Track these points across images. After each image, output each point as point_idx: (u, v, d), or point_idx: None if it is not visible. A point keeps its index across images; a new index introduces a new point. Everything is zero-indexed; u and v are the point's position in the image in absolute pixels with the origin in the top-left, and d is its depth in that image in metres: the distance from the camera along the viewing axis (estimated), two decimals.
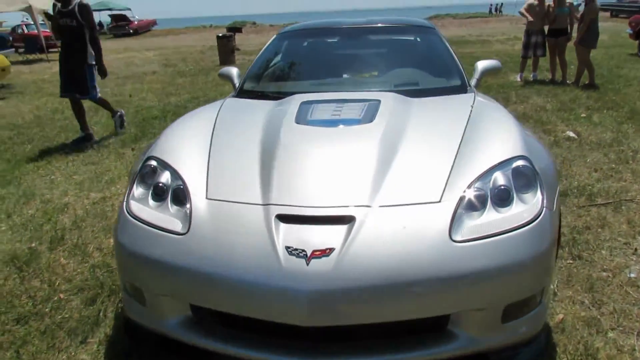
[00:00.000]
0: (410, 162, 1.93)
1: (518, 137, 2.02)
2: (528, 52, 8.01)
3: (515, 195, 1.74)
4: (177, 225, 1.78)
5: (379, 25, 3.54)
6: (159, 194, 1.94)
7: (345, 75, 3.16)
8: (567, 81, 7.71)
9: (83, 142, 5.19)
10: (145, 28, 32.41)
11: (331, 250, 1.57)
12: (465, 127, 2.14)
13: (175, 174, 1.97)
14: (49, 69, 13.37)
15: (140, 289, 1.81)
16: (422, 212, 1.68)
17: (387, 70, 3.16)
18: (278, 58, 3.49)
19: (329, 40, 3.52)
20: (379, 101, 2.44)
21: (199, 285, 1.65)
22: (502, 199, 1.73)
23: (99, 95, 5.32)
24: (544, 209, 1.71)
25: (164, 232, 1.77)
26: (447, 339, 1.61)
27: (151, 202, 1.93)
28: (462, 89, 2.80)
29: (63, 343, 2.06)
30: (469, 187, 1.74)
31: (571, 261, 2.50)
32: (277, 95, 2.78)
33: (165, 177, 1.98)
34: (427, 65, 3.16)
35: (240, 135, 2.27)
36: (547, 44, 7.85)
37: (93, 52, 5.01)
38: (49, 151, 5.03)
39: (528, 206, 1.71)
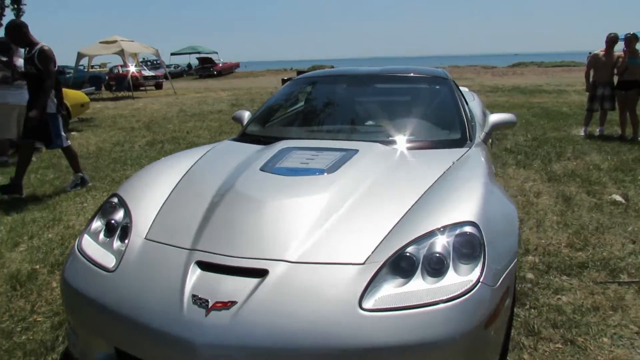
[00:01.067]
0: (352, 218, 1.86)
1: (478, 199, 1.88)
2: (594, 105, 7.51)
3: (450, 265, 1.60)
4: (110, 262, 1.85)
5: (390, 74, 3.53)
6: (110, 230, 2.03)
7: (342, 124, 3.16)
8: (639, 138, 7.07)
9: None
10: (228, 70, 34.87)
11: (233, 303, 1.54)
12: (432, 184, 2.05)
13: (127, 212, 2.06)
14: (131, 105, 14.72)
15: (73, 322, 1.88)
16: (339, 273, 1.60)
17: (388, 119, 3.11)
18: (284, 103, 3.58)
19: (337, 88, 3.56)
20: (357, 151, 2.41)
21: (117, 326, 1.67)
22: (435, 268, 1.61)
23: (68, 144, 5.04)
24: (480, 284, 1.55)
25: (97, 267, 1.84)
26: None
27: (101, 237, 2.03)
28: (460, 142, 2.68)
29: None
30: (399, 250, 1.64)
31: (560, 346, 2.21)
32: (269, 140, 2.83)
33: (119, 215, 2.08)
34: (431, 117, 3.09)
35: (206, 178, 2.33)
36: (616, 97, 7.31)
37: (56, 100, 4.75)
38: (91, 179, 5.46)
39: (461, 279, 1.57)
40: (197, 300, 1.57)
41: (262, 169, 2.28)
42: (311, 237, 1.76)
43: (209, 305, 1.54)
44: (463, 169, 2.24)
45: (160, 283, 1.68)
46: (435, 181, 2.07)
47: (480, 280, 1.57)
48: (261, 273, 1.62)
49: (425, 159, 2.43)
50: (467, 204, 1.86)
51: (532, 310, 2.51)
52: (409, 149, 2.58)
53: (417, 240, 1.67)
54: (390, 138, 2.74)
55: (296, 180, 2.16)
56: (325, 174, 2.18)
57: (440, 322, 1.46)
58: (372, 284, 1.55)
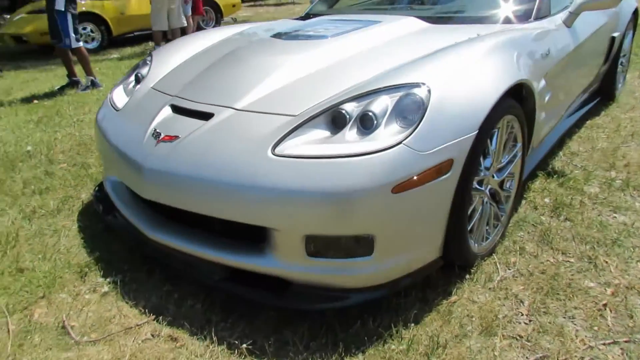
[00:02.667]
0: (317, 78, 1.87)
1: (447, 63, 1.73)
2: None
3: (382, 125, 1.51)
4: (121, 104, 2.19)
5: None
6: (137, 81, 2.36)
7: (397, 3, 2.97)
8: None
9: (69, 88, 5.25)
10: None
11: (176, 137, 1.72)
12: (429, 54, 1.87)
13: (150, 66, 2.37)
14: (291, 10, 15.32)
15: None
16: (270, 123, 1.66)
17: None
18: None
19: None
20: (379, 22, 2.33)
21: (113, 155, 2.02)
22: (364, 126, 1.54)
23: (78, 45, 5.06)
24: (401, 145, 1.45)
25: (111, 106, 2.21)
26: (255, 252, 1.59)
27: (129, 87, 2.38)
28: (520, 17, 2.35)
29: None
30: (335, 106, 1.60)
31: (572, 260, 1.92)
32: (316, 15, 2.91)
33: (145, 70, 2.39)
34: None
35: (226, 44, 2.49)
36: None
37: None
38: None
39: (385, 139, 1.47)
40: (154, 133, 1.80)
41: (273, 36, 2.35)
42: (267, 90, 1.82)
43: (159, 138, 1.76)
44: (478, 39, 1.96)
45: (140, 119, 1.95)
46: (433, 52, 1.87)
47: (403, 142, 1.45)
48: (208, 116, 1.77)
49: (452, 33, 2.18)
50: (430, 65, 1.71)
51: (566, 222, 2.18)
52: (447, 23, 2.36)
53: (358, 98, 1.60)
54: (433, 13, 2.52)
55: (293, 44, 2.19)
56: (328, 38, 2.18)
57: (341, 175, 1.42)
58: (294, 133, 1.56)
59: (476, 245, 1.86)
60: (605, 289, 1.77)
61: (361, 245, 1.50)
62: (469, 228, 1.77)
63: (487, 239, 1.94)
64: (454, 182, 1.56)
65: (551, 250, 1.99)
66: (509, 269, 1.89)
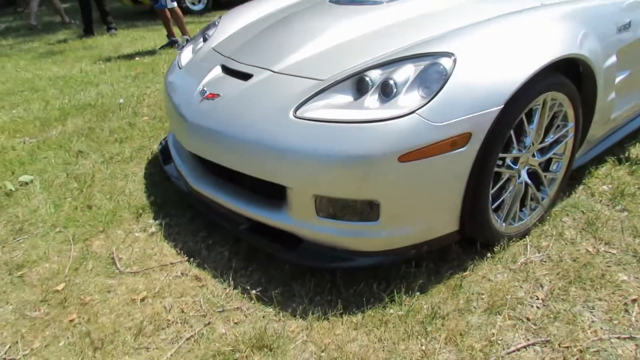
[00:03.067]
0: (358, 44, 1.88)
1: (481, 34, 1.64)
2: None
3: (402, 93, 1.51)
4: (185, 62, 2.39)
5: None
6: (204, 41, 2.54)
7: None
8: None
9: (168, 47, 5.66)
10: None
11: (217, 95, 1.86)
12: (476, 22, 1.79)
13: (216, 28, 2.53)
14: None
15: None
16: (299, 85, 1.73)
17: None
18: None
19: None
20: None
21: (169, 109, 2.23)
22: (386, 92, 1.55)
23: (173, 6, 5.32)
24: (413, 114, 1.45)
25: (177, 64, 2.41)
26: (273, 208, 1.70)
27: (197, 47, 2.57)
28: None
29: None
30: (360, 72, 1.62)
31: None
32: None
33: (212, 31, 2.56)
34: None
35: (288, 9, 2.56)
36: None
37: None
38: None
39: (401, 107, 1.48)
40: (202, 90, 1.95)
41: (331, 1, 2.36)
42: (307, 54, 1.88)
43: (204, 95, 1.91)
44: (533, 9, 1.81)
45: (195, 77, 2.12)
46: (480, 21, 1.78)
47: (416, 111, 1.44)
48: (248, 77, 1.88)
49: (516, 1, 2.04)
50: (465, 35, 1.64)
51: (622, 212, 2.00)
52: None
53: (383, 65, 1.60)
54: None
55: (346, 9, 2.21)
56: (383, 4, 2.17)
57: (350, 140, 1.46)
58: (318, 97, 1.61)
59: (504, 224, 1.80)
60: None
61: (367, 210, 1.54)
62: (494, 206, 1.73)
63: (520, 219, 1.87)
64: (471, 156, 1.52)
65: (593, 239, 1.86)
66: (538, 253, 1.81)
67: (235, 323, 1.59)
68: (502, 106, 1.51)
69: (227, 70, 2.03)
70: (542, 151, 1.87)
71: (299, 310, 1.61)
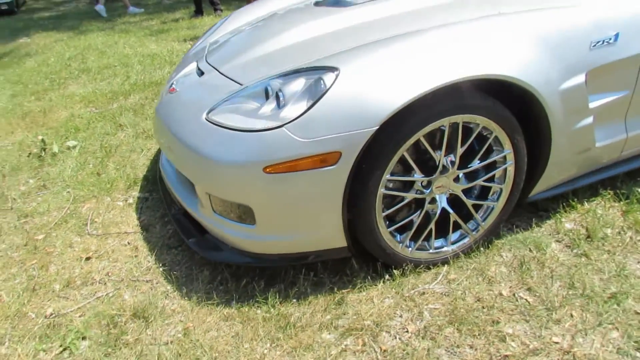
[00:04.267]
0: (295, 47, 1.94)
1: (381, 47, 1.61)
2: None
3: (289, 104, 1.58)
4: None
5: None
6: None
7: None
8: None
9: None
10: None
11: (175, 90, 2.10)
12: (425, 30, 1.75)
13: (220, 25, 2.75)
14: None
15: None
16: (224, 88, 1.87)
17: None
18: None
19: None
20: None
21: None
22: (278, 103, 1.62)
23: None
24: (281, 128, 1.51)
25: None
26: (192, 201, 1.89)
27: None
28: None
29: None
30: (266, 80, 1.71)
31: None
32: None
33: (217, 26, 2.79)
34: None
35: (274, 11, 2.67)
36: None
37: None
38: None
39: (278, 118, 1.55)
40: (170, 84, 2.20)
41: (316, 3, 2.41)
42: (253, 56, 2.00)
43: (169, 88, 2.15)
44: (462, 21, 1.67)
45: (177, 71, 2.37)
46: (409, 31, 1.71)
47: (284, 125, 1.50)
48: (201, 74, 2.07)
49: (472, 8, 1.87)
50: (361, 50, 1.62)
51: (578, 257, 1.78)
52: None
53: (285, 76, 1.67)
54: None
55: (322, 10, 2.25)
56: (350, 6, 2.17)
57: (229, 146, 1.57)
58: (230, 101, 1.73)
59: (409, 248, 1.75)
60: (531, 341, 1.48)
61: (244, 214, 1.64)
62: (392, 228, 1.69)
63: (439, 247, 1.79)
64: (342, 175, 1.52)
65: (516, 283, 1.70)
66: (444, 285, 1.72)
67: (140, 293, 1.84)
68: (377, 127, 1.47)
69: (197, 67, 2.24)
70: (471, 177, 1.75)
71: (192, 293, 1.80)
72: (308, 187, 1.54)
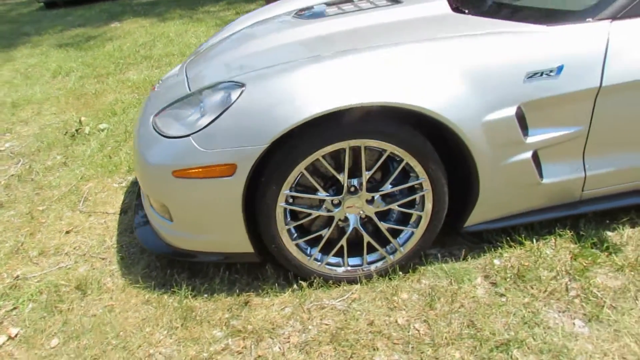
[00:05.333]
0: (251, 58, 2.05)
1: (294, 66, 1.69)
2: None
3: (206, 115, 1.71)
4: None
5: None
6: None
7: None
8: None
9: None
10: None
11: (154, 89, 2.32)
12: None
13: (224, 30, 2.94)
14: None
15: None
16: (178, 93, 2.03)
17: None
18: None
19: None
20: (400, 3, 2.22)
21: None
22: (200, 112, 1.76)
23: None
24: (188, 137, 1.66)
25: None
26: None
27: None
28: (578, 15, 1.75)
29: None
30: (203, 90, 1.85)
31: None
32: None
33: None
34: None
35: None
36: None
37: None
38: None
39: (191, 127, 1.69)
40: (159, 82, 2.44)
41: (295, 15, 2.48)
42: (214, 64, 2.15)
43: (153, 86, 2.39)
44: (377, 46, 1.68)
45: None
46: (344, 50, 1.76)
47: (190, 135, 1.63)
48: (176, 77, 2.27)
49: (420, 30, 1.85)
50: (274, 68, 1.71)
51: (495, 297, 1.70)
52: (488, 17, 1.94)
53: (214, 86, 1.78)
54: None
55: (293, 22, 2.33)
56: (321, 18, 2.25)
57: (152, 150, 1.74)
58: (173, 107, 1.90)
59: (319, 262, 1.80)
60: None
61: (165, 211, 1.81)
62: (299, 241, 1.76)
63: (350, 265, 1.83)
64: (239, 187, 1.62)
65: (417, 314, 1.69)
66: (343, 303, 1.75)
67: (93, 268, 2.11)
68: (267, 145, 1.55)
69: (181, 70, 2.44)
70: (390, 201, 1.75)
71: (129, 275, 2.02)
72: (210, 194, 1.67)
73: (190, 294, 1.87)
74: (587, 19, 1.70)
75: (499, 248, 1.93)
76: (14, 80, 4.88)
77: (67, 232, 2.37)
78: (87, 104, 4.02)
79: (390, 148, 1.63)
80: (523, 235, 1.95)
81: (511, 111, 1.62)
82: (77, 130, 3.41)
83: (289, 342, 1.64)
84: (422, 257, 1.90)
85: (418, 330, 1.64)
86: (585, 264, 1.81)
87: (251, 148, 1.57)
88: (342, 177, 1.68)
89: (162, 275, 2.00)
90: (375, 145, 1.62)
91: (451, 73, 1.59)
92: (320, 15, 2.29)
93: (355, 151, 1.65)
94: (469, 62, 1.61)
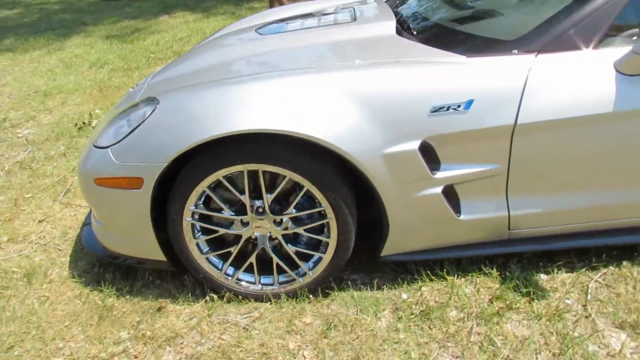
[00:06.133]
0: (191, 74, 2.13)
1: (204, 86, 1.76)
2: None
3: (129, 128, 1.81)
4: None
5: None
6: None
7: None
8: None
9: None
10: None
11: (127, 92, 2.47)
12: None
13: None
14: None
15: None
16: (130, 101, 2.14)
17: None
18: None
19: None
20: (351, 23, 2.23)
21: None
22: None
23: None
24: (106, 149, 1.76)
25: None
26: None
27: None
28: (508, 46, 1.68)
29: None
30: (138, 103, 1.95)
31: None
32: None
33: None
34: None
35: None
36: None
37: None
38: None
39: (115, 138, 1.79)
40: None
41: (257, 30, 2.50)
42: (167, 76, 2.24)
43: None
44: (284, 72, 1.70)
45: None
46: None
47: (109, 147, 1.74)
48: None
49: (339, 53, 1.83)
50: (187, 88, 1.78)
51: (393, 334, 1.67)
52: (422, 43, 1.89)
53: (145, 101, 1.87)
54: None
55: (246, 38, 2.38)
56: (279, 33, 2.27)
57: (85, 156, 1.87)
58: (117, 117, 2.02)
59: (230, 277, 1.85)
60: None
61: (94, 213, 1.94)
62: (210, 255, 1.82)
63: (262, 283, 1.86)
64: (146, 199, 1.70)
65: (311, 339, 1.69)
66: (248, 319, 1.79)
67: (48, 258, 2.29)
68: (167, 163, 1.62)
69: None
70: (286, 223, 1.77)
71: (72, 270, 2.18)
72: (123, 203, 1.77)
73: (115, 294, 1.99)
74: (514, 51, 1.62)
75: (419, 281, 1.88)
76: (55, 69, 5.29)
77: (40, 221, 2.58)
78: (107, 96, 4.29)
79: (288, 174, 1.64)
80: (446, 270, 1.88)
81: (414, 145, 1.58)
82: (84, 123, 3.66)
83: (182, 352, 1.72)
84: (341, 282, 1.90)
85: (305, 357, 1.65)
86: (500, 308, 1.72)
87: (154, 164, 1.65)
88: (244, 198, 1.72)
89: (99, 272, 2.13)
90: (273, 170, 1.64)
91: (352, 103, 1.58)
92: (277, 30, 2.32)
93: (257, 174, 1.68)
94: (371, 92, 1.58)
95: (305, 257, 1.84)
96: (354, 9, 2.46)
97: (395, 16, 2.23)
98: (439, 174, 1.63)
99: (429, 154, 1.62)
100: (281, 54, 1.99)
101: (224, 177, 1.67)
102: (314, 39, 2.08)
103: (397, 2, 2.63)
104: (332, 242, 1.76)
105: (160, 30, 6.74)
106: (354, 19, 2.26)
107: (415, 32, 2.00)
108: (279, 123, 1.56)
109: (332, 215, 1.70)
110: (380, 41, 1.96)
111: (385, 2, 2.63)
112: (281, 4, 5.77)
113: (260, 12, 3.28)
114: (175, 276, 2.04)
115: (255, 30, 2.45)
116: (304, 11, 2.75)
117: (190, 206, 1.72)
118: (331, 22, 2.29)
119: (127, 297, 1.98)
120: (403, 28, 2.08)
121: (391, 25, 2.06)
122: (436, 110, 1.56)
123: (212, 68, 2.04)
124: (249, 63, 1.98)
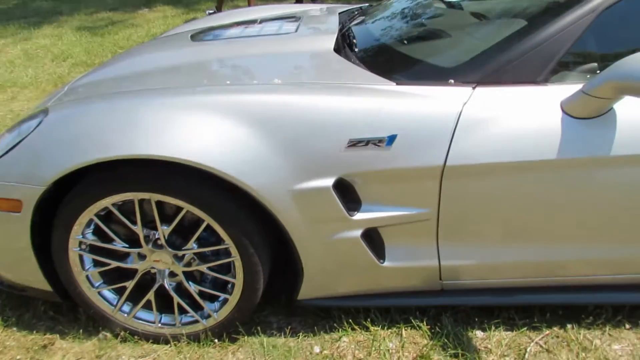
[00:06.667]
0: (102, 83, 1.92)
1: (101, 98, 1.57)
2: None
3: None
4: None
5: None
6: None
7: None
8: None
9: None
10: None
11: None
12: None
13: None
14: None
15: None
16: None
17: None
18: None
19: None
20: (290, 34, 2.05)
21: None
22: None
23: None
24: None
25: None
26: None
27: None
28: (445, 74, 1.48)
29: None
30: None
31: None
32: None
33: None
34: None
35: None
36: None
37: None
38: None
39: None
40: None
41: (191, 36, 2.28)
42: (90, 80, 2.02)
43: None
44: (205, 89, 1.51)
45: None
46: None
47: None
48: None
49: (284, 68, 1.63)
50: (78, 102, 1.59)
51: None
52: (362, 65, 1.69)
53: (42, 110, 1.67)
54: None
55: (178, 43, 2.19)
56: (212, 41, 2.11)
57: None
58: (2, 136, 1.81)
59: (126, 314, 1.65)
60: None
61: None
62: (102, 289, 1.62)
63: (162, 323, 1.65)
64: (25, 224, 1.49)
65: None
66: (132, 357, 1.59)
67: None
68: (45, 187, 1.41)
69: None
70: (188, 259, 1.57)
71: None
72: (3, 226, 1.55)
73: (2, 325, 1.78)
74: (450, 80, 1.43)
75: (339, 330, 1.68)
76: (16, 60, 5.05)
77: None
78: None
79: (186, 206, 1.44)
80: (371, 319, 1.69)
81: (328, 182, 1.38)
82: None
83: None
84: (254, 325, 1.70)
85: None
86: None
87: (32, 187, 1.44)
88: (137, 229, 1.51)
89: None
90: (167, 200, 1.44)
91: (258, 130, 1.37)
92: (212, 37, 2.12)
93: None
94: (280, 119, 1.38)
95: (212, 298, 1.64)
96: (302, 18, 2.27)
97: (342, 30, 2.04)
98: (359, 216, 1.44)
99: (349, 193, 1.43)
100: (199, 67, 1.78)
101: (114, 204, 1.47)
102: (244, 50, 1.89)
103: (355, 14, 2.44)
104: (239, 282, 1.56)
105: (136, 24, 6.51)
106: (296, 29, 2.07)
107: (354, 50, 1.81)
108: (172, 149, 1.35)
109: (237, 254, 1.50)
110: (313, 57, 1.76)
111: (341, 13, 2.43)
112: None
113: (218, 13, 3.10)
114: (73, 309, 1.83)
115: (190, 35, 2.25)
116: (256, 16, 2.56)
117: (76, 235, 1.51)
118: (273, 31, 2.09)
119: (14, 329, 1.76)
120: (344, 44, 1.88)
121: (330, 40, 1.86)
122: (353, 144, 1.36)
123: (126, 77, 1.84)
124: (162, 73, 1.77)
